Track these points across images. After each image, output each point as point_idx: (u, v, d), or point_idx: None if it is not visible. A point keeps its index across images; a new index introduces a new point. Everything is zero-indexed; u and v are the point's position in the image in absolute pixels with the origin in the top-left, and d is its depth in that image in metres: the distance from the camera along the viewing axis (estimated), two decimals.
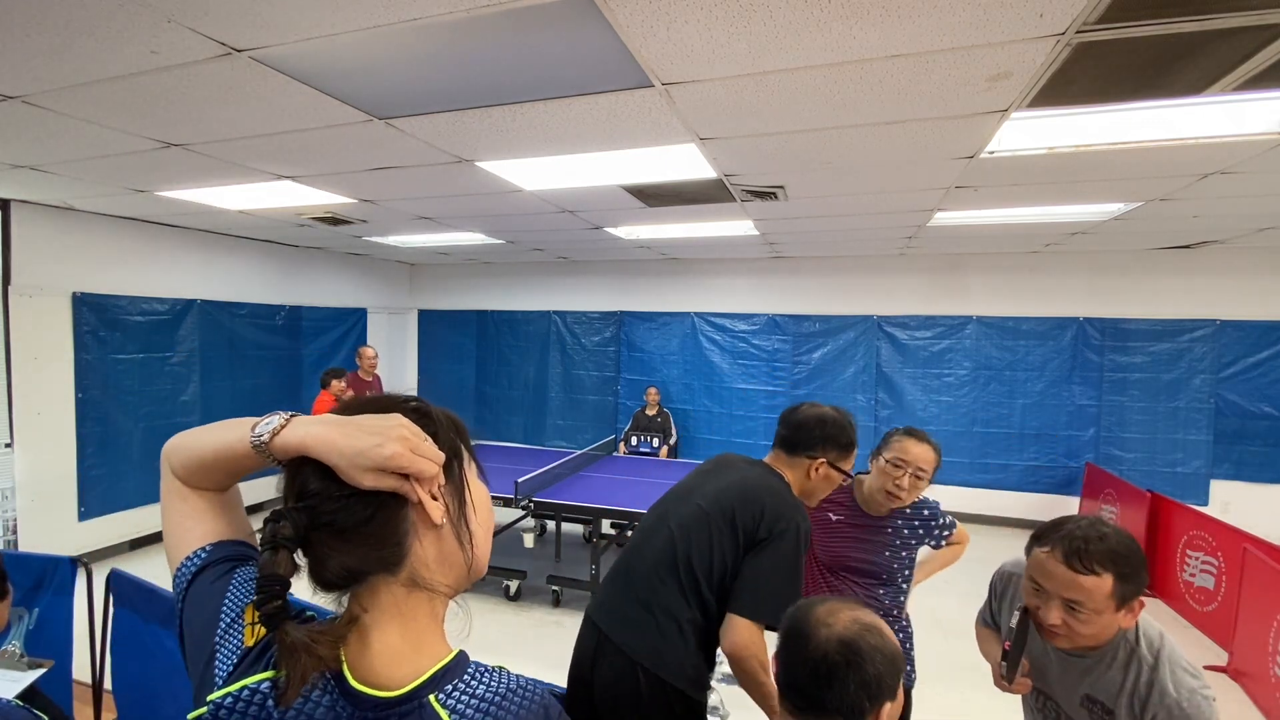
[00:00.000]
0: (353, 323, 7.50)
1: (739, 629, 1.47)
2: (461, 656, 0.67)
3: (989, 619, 1.66)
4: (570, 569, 4.61)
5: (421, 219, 4.80)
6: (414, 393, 0.81)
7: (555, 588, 4.30)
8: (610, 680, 1.51)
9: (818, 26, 1.73)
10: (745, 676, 1.47)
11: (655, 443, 6.51)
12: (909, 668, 2.03)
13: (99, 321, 4.86)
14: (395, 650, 0.63)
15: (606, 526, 4.67)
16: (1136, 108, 2.30)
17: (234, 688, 0.61)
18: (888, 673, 0.94)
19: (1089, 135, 2.62)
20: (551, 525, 5.04)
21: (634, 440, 6.61)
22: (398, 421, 0.63)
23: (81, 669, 2.37)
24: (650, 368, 7.37)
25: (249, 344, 6.16)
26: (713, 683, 1.71)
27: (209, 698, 0.62)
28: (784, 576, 1.51)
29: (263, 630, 0.62)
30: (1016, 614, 1.38)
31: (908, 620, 2.08)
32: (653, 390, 6.76)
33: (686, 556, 1.56)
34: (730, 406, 7.02)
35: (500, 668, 0.69)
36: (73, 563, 2.41)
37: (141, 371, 5.20)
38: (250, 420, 0.68)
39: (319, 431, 0.62)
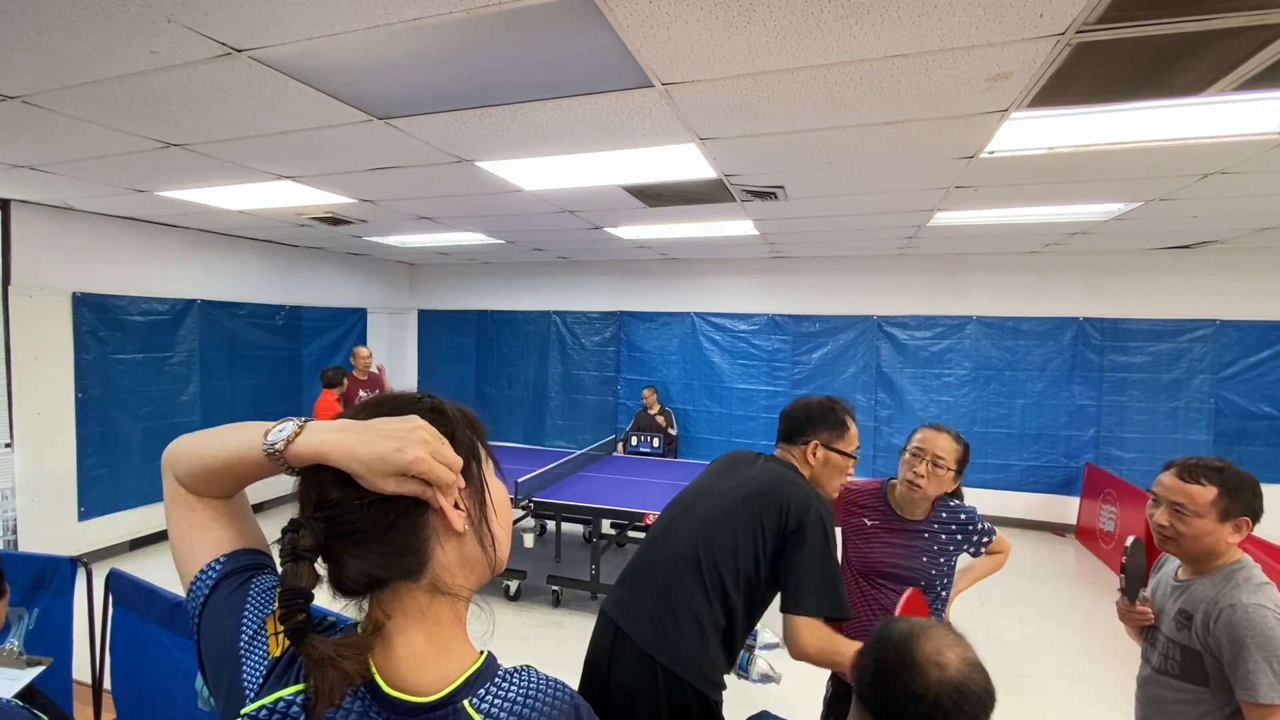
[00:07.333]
0: (353, 323, 7.50)
1: (801, 631, 1.50)
2: (490, 659, 0.67)
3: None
4: (570, 569, 4.61)
5: (421, 219, 4.80)
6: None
7: (555, 588, 4.30)
8: (627, 677, 1.51)
9: (817, 26, 1.73)
10: (825, 666, 1.53)
11: (655, 443, 6.51)
12: None
13: (99, 321, 4.86)
14: (421, 654, 0.63)
15: (606, 526, 4.67)
16: (1136, 108, 2.30)
17: (266, 700, 0.60)
18: (984, 714, 0.94)
19: (1089, 135, 2.61)
20: (551, 525, 5.04)
21: (634, 440, 6.62)
22: (415, 424, 0.61)
23: (81, 669, 2.37)
24: (650, 368, 7.36)
25: (249, 344, 6.16)
26: (757, 650, 1.74)
27: (242, 711, 0.60)
28: (825, 565, 1.55)
29: (288, 641, 0.61)
30: (1131, 539, 1.64)
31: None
32: (649, 391, 6.76)
33: (710, 555, 1.56)
34: (730, 406, 7.02)
35: (528, 667, 0.69)
36: (72, 563, 2.40)
37: (141, 371, 5.20)
38: (259, 425, 0.65)
39: (336, 439, 0.60)
